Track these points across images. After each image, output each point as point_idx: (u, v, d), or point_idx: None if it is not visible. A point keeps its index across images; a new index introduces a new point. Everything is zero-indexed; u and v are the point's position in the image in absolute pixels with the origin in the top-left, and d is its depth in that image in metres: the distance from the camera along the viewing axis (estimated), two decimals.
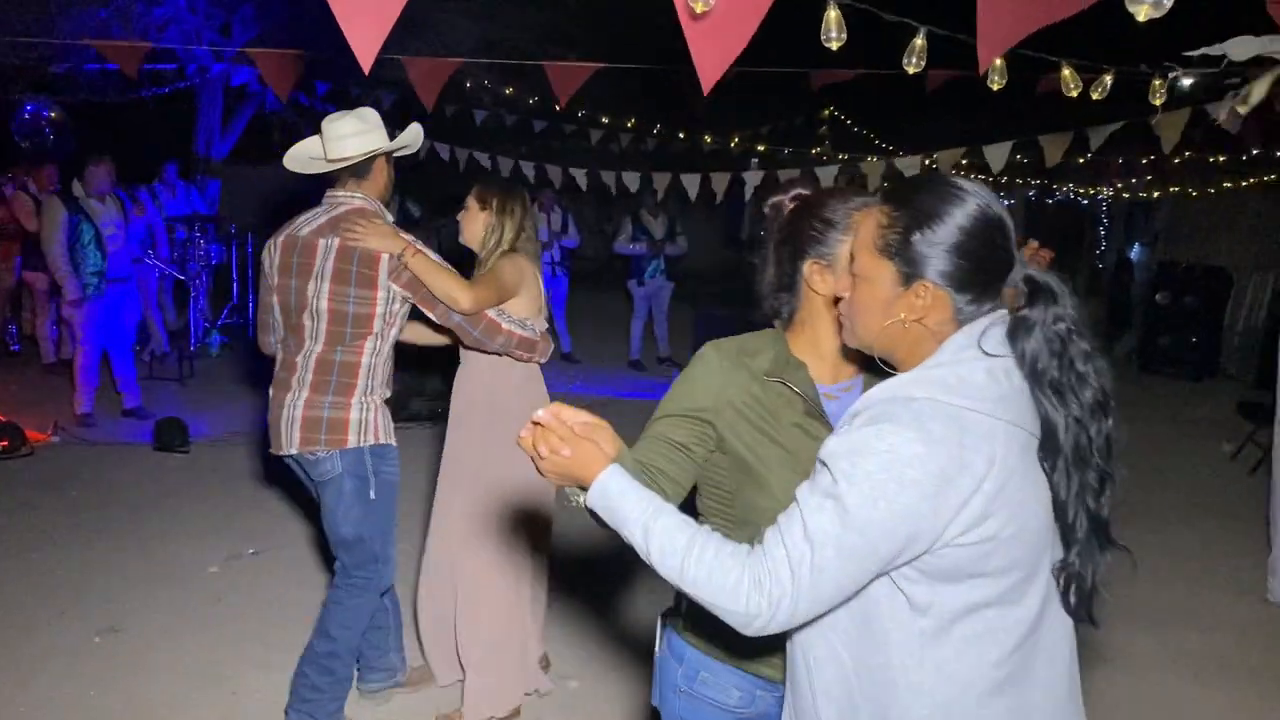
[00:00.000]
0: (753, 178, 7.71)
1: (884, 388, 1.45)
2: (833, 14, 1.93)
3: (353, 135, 3.17)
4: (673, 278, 10.24)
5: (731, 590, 1.40)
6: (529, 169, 8.89)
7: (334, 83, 11.34)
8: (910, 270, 1.47)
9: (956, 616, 1.43)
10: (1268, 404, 5.06)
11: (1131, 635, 4.25)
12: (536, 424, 1.50)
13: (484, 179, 3.79)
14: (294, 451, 3.19)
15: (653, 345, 10.42)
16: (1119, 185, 13.54)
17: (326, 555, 4.90)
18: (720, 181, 7.77)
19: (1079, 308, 1.45)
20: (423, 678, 3.80)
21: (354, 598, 3.30)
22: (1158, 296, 11.08)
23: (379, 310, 3.16)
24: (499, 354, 3.39)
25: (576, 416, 1.52)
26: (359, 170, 3.23)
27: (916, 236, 1.46)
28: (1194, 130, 4.88)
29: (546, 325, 3.55)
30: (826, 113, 14.85)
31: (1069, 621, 1.53)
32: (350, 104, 11.95)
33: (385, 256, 3.12)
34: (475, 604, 3.50)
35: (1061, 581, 1.48)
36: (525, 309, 3.43)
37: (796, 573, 1.38)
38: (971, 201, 1.46)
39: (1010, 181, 13.22)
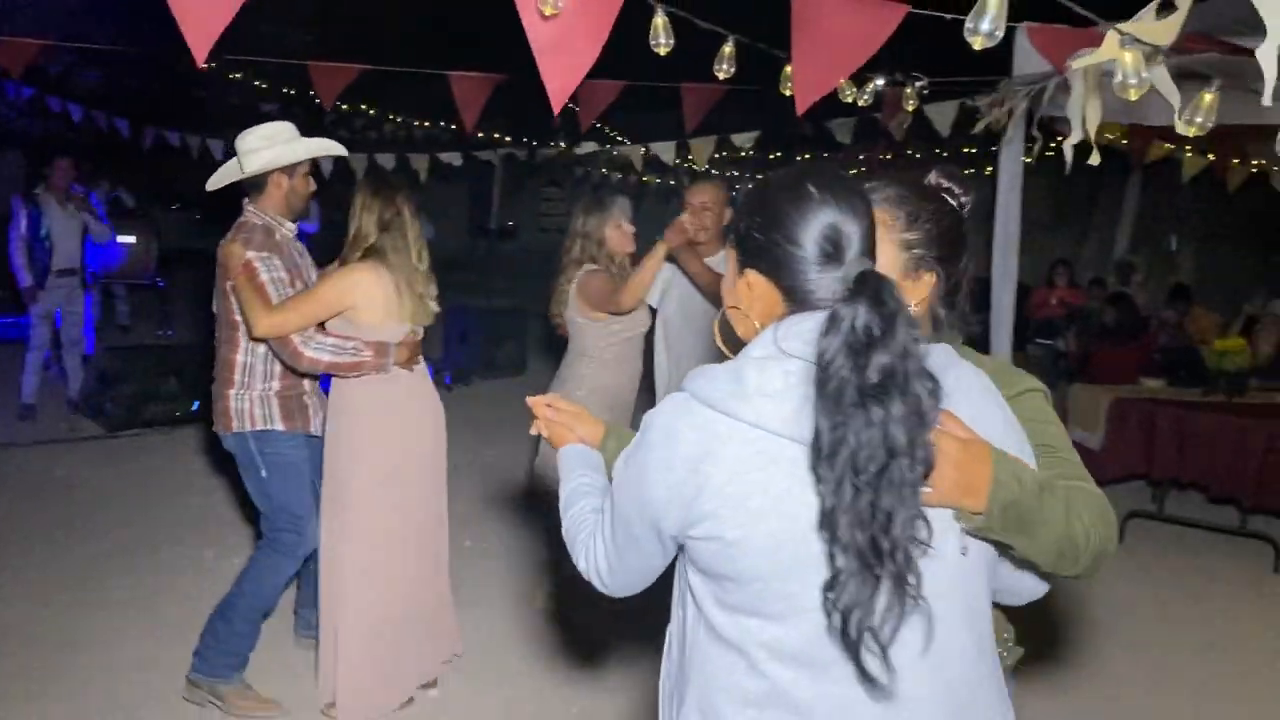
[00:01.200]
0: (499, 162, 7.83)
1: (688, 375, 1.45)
2: (659, 20, 2.06)
3: (254, 151, 3.38)
4: None
5: (574, 543, 1.58)
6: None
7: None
8: (742, 258, 1.44)
9: (717, 612, 1.38)
10: None
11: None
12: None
13: (367, 177, 3.67)
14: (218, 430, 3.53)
15: None
16: None
17: (74, 567, 4.55)
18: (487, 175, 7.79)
19: (910, 321, 1.26)
20: None
21: (267, 557, 3.51)
22: None
23: (237, 317, 3.40)
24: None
25: (557, 405, 1.84)
26: (256, 184, 3.45)
27: (745, 223, 1.43)
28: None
29: (409, 329, 3.40)
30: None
31: (918, 691, 1.34)
32: (49, 84, 10.94)
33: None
34: (343, 603, 3.42)
35: (837, 618, 1.26)
36: (374, 317, 3.32)
37: (600, 535, 1.53)
38: (807, 197, 1.37)
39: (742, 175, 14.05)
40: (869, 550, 1.22)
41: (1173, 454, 5.62)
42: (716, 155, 7.82)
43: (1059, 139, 3.25)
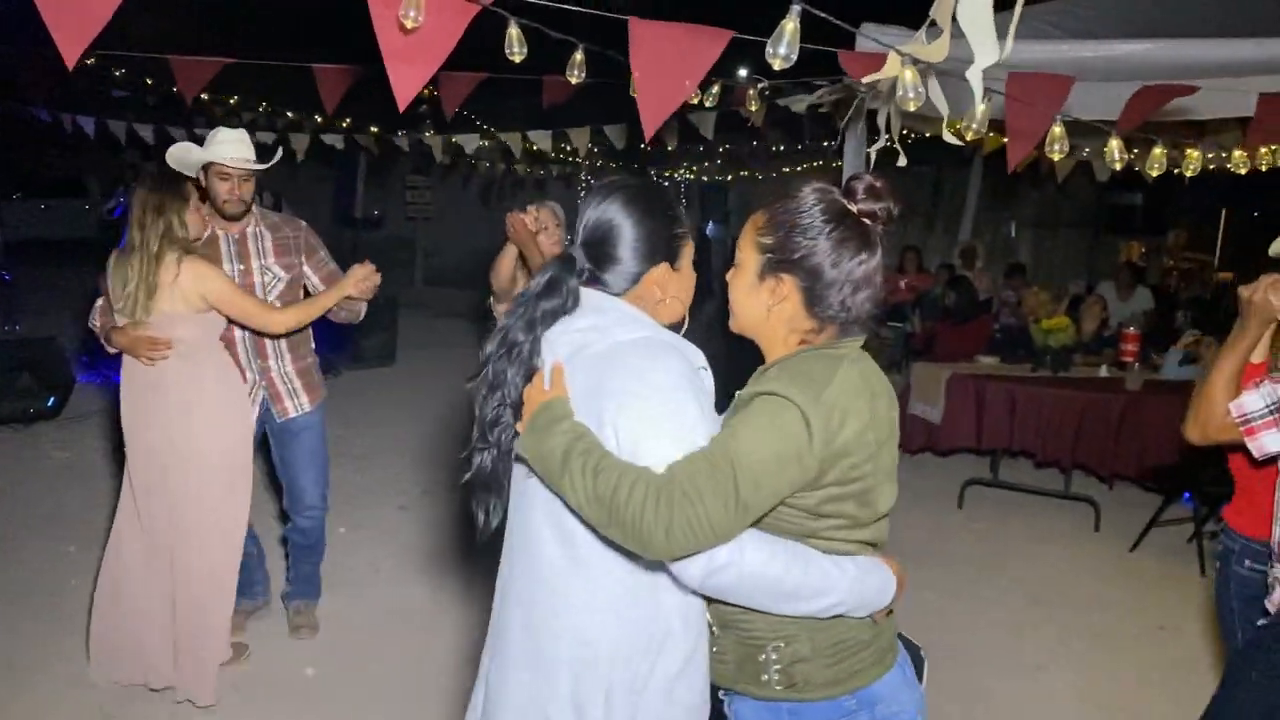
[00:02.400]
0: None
1: None
2: (514, 31, 2.24)
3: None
4: None
5: None
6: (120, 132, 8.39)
7: None
8: None
9: None
10: None
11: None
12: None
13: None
14: None
15: None
16: (695, 169, 15.08)
17: None
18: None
19: (549, 294, 1.71)
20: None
21: None
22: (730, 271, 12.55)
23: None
24: None
25: None
26: None
27: None
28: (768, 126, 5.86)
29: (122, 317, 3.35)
30: (426, 91, 15.02)
31: (531, 566, 1.71)
32: None
33: None
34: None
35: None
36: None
37: None
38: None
39: (605, 166, 14.30)
40: (482, 441, 1.76)
41: (1003, 424, 6.11)
42: (592, 147, 8.13)
43: (914, 136, 3.58)
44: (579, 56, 2.59)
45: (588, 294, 1.74)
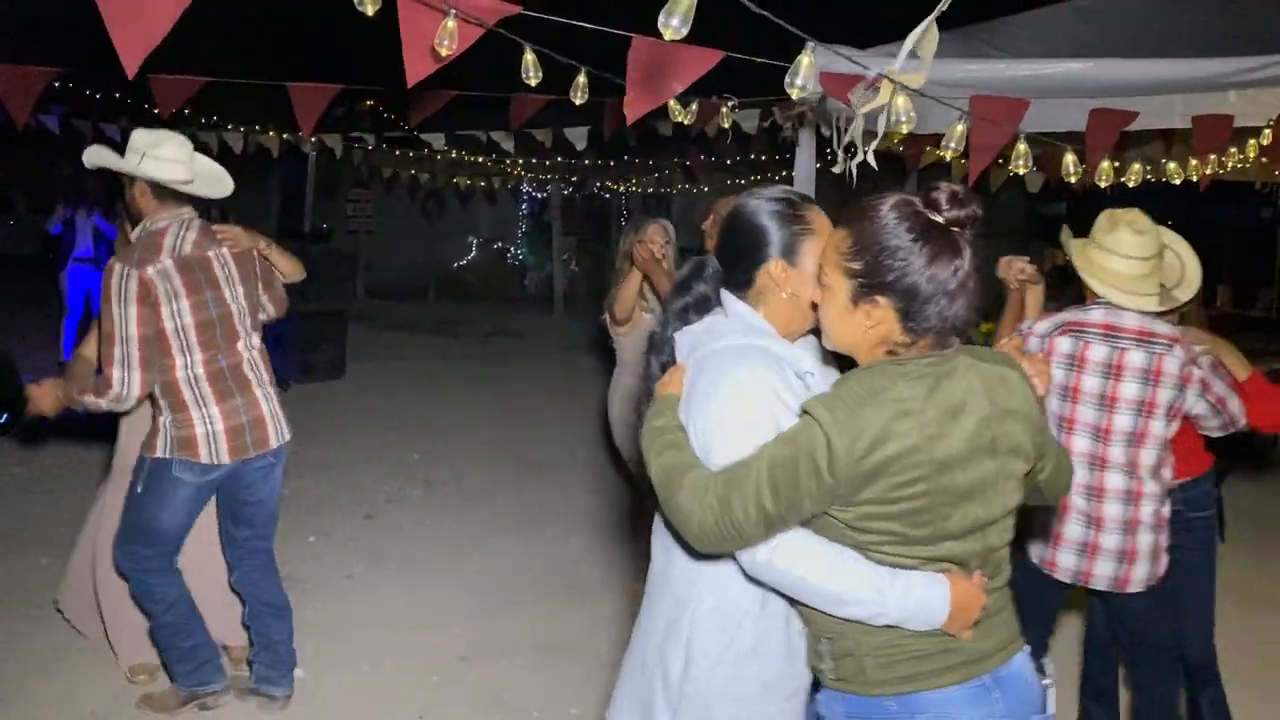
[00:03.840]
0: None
1: None
2: (530, 57, 2.41)
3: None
4: None
5: None
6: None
7: None
8: None
9: None
10: None
11: None
12: None
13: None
14: (286, 440, 3.47)
15: None
16: (636, 181, 15.30)
17: None
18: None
19: (678, 300, 2.00)
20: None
21: None
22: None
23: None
24: None
25: None
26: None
27: None
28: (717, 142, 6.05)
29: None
30: (367, 104, 15.01)
31: (661, 531, 1.96)
32: None
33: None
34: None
35: None
36: None
37: None
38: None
39: (558, 177, 14.49)
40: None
41: None
42: (546, 161, 8.38)
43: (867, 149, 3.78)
44: (581, 79, 2.76)
45: (724, 295, 1.94)
